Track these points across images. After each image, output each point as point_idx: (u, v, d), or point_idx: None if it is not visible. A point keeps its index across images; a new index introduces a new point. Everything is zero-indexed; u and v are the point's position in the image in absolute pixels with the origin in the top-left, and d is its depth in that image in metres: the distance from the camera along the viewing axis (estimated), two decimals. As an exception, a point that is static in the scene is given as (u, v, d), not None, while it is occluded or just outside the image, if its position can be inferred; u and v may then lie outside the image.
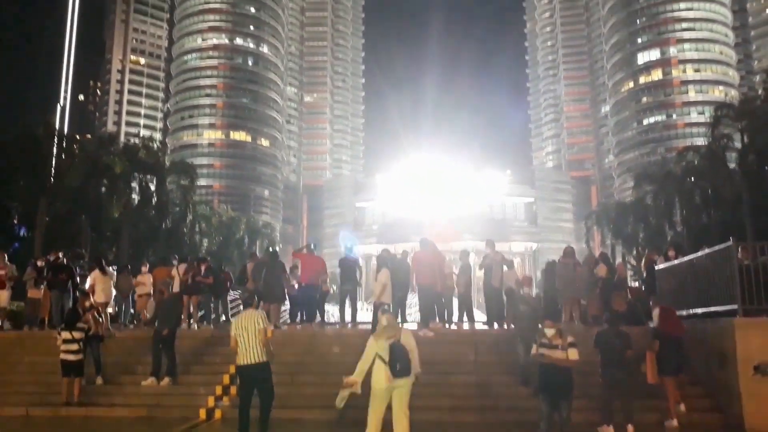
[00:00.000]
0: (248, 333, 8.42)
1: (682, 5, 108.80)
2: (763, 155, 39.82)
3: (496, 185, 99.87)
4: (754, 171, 40.23)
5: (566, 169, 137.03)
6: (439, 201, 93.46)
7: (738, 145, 44.09)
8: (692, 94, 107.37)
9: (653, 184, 56.92)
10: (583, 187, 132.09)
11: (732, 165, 44.63)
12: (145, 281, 16.91)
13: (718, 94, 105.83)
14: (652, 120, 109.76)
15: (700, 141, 68.25)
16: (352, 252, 17.03)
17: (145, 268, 17.36)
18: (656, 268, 13.82)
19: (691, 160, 50.88)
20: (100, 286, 14.76)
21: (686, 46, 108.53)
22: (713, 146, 45.17)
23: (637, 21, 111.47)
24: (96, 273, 15.01)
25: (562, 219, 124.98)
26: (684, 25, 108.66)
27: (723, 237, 11.73)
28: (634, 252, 60.62)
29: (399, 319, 14.90)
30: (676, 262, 12.87)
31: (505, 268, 14.87)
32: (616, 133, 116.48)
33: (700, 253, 11.66)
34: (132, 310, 17.42)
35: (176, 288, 15.21)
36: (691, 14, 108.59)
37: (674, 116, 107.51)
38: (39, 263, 15.64)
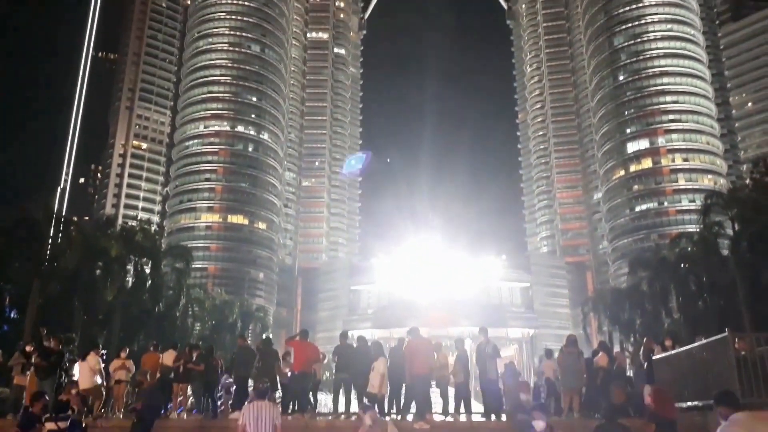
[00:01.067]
0: (262, 426, 8.06)
1: (668, 98, 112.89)
2: (755, 243, 40.20)
3: (491, 270, 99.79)
4: (747, 258, 40.50)
5: (561, 254, 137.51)
6: (435, 285, 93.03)
7: (729, 232, 44.68)
8: (682, 182, 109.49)
9: (648, 271, 57.12)
10: (578, 273, 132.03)
11: (725, 252, 45.02)
12: (129, 366, 16.51)
13: (707, 182, 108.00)
14: (644, 207, 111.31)
15: (692, 228, 69.15)
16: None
17: (123, 353, 17.02)
18: (653, 358, 13.70)
19: (684, 247, 51.37)
20: (83, 372, 14.47)
21: (674, 136, 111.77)
22: (705, 233, 45.75)
23: (626, 112, 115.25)
24: (80, 360, 14.78)
25: (559, 304, 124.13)
26: (671, 116, 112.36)
27: (720, 325, 11.74)
28: (632, 339, 59.94)
29: (394, 410, 14.58)
30: (673, 352, 12.78)
31: (543, 361, 14.88)
32: (609, 219, 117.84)
33: (696, 344, 11.61)
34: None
35: (157, 375, 14.93)
36: (677, 107, 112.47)
37: (665, 203, 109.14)
38: (28, 348, 15.34)
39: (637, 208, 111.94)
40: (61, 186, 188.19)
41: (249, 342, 20.20)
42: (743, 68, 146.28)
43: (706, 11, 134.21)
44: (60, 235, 40.42)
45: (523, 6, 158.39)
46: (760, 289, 38.43)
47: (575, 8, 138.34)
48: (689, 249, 49.72)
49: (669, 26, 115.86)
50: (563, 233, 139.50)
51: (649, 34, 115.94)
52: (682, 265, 50.07)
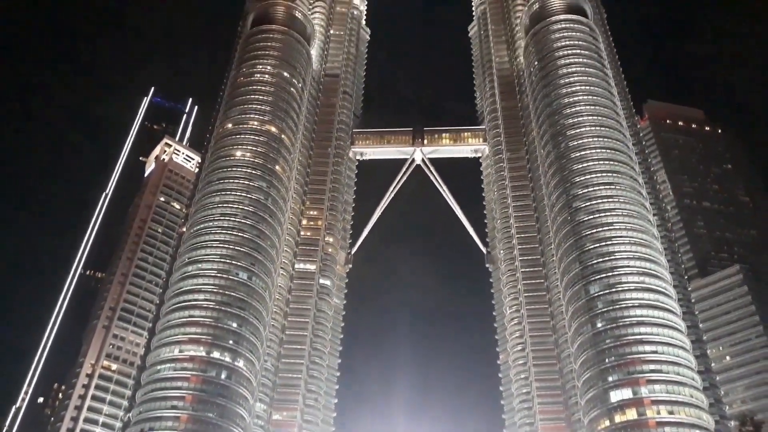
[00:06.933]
0: None
1: (647, 348, 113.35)
2: None
3: None
4: None
5: None
6: None
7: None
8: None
9: None
10: None
11: None
12: None
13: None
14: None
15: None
16: None
17: None
18: None
19: None
20: None
21: (656, 387, 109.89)
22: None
23: (606, 360, 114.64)
24: None
25: None
26: (652, 366, 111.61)
27: None
28: None
29: None
30: None
31: None
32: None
33: None
34: None
35: None
36: (656, 357, 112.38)
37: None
38: None
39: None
40: (17, 405, 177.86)
41: None
42: (716, 322, 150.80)
43: (675, 266, 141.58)
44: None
45: (502, 252, 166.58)
46: None
47: (551, 256, 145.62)
48: None
49: (641, 278, 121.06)
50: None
51: (623, 285, 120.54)
52: None
